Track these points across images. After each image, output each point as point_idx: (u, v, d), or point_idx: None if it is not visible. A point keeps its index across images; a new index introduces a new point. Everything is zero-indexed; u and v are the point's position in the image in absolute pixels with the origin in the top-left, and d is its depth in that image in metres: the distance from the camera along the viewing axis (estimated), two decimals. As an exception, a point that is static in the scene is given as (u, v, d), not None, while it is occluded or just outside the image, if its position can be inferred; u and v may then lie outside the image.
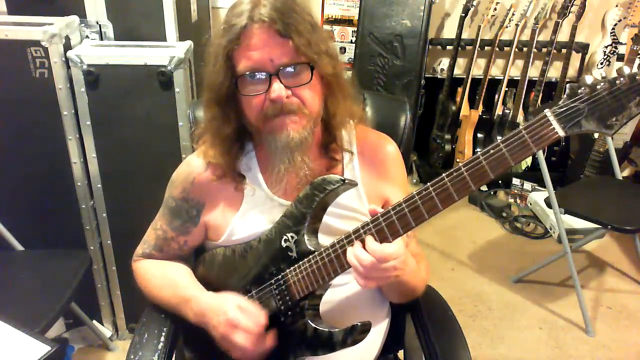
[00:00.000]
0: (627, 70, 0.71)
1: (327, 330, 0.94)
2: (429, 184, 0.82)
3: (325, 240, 0.97)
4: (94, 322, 2.01)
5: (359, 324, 0.92)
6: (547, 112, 0.74)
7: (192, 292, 1.03)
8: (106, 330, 2.05)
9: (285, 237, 0.97)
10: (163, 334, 1.05)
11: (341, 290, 1.04)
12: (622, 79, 0.71)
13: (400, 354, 1.29)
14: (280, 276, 0.97)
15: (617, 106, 0.72)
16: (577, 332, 2.16)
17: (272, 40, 0.89)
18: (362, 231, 0.88)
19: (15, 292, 1.61)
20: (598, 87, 0.72)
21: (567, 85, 0.74)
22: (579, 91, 0.73)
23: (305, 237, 0.95)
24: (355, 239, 0.88)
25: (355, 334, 0.92)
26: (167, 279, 1.08)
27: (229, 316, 0.94)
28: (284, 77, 0.90)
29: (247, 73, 0.90)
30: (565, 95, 0.74)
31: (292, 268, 0.95)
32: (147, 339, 1.04)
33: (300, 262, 0.94)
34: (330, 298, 1.01)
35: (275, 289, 0.97)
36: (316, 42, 0.92)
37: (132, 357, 1.00)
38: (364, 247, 0.86)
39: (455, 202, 0.81)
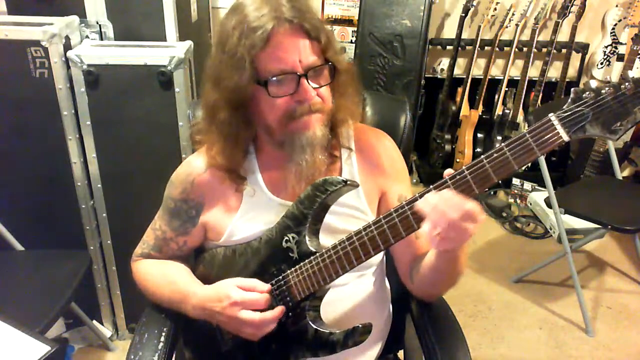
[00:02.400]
0: (631, 74, 0.71)
1: (328, 331, 0.94)
2: (431, 186, 0.81)
3: (323, 238, 0.97)
4: (94, 322, 2.01)
5: (360, 325, 0.92)
6: (552, 116, 0.74)
7: (190, 287, 1.03)
8: (106, 330, 2.05)
9: (286, 237, 0.97)
10: (163, 334, 1.05)
11: (341, 291, 1.04)
12: (627, 83, 0.70)
13: (400, 354, 1.30)
14: (281, 277, 0.97)
15: (621, 111, 0.71)
16: (577, 332, 2.16)
17: (300, 41, 0.89)
18: (363, 232, 0.88)
19: (15, 292, 1.60)
20: (603, 91, 0.72)
21: (572, 90, 0.74)
22: (584, 95, 0.73)
23: (307, 237, 0.95)
24: (356, 241, 0.88)
25: (357, 335, 0.92)
26: (165, 277, 1.08)
27: (233, 298, 0.94)
28: (311, 77, 0.90)
29: (277, 76, 0.89)
30: (569, 100, 0.74)
31: (293, 269, 0.95)
32: (147, 339, 1.04)
33: (302, 263, 0.94)
34: (331, 298, 1.01)
35: (276, 289, 0.97)
36: (333, 41, 0.93)
37: (132, 357, 1.00)
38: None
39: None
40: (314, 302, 0.96)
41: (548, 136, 0.74)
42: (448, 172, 0.81)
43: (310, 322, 0.95)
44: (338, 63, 0.93)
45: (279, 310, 0.95)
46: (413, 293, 1.10)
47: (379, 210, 1.08)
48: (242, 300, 0.94)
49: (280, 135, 0.96)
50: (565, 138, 0.74)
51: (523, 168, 3.18)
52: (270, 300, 0.96)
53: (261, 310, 0.94)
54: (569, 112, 0.73)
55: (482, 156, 0.78)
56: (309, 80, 0.90)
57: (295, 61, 0.89)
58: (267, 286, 0.96)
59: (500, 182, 3.15)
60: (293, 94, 0.90)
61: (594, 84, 0.73)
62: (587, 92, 0.73)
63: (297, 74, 0.89)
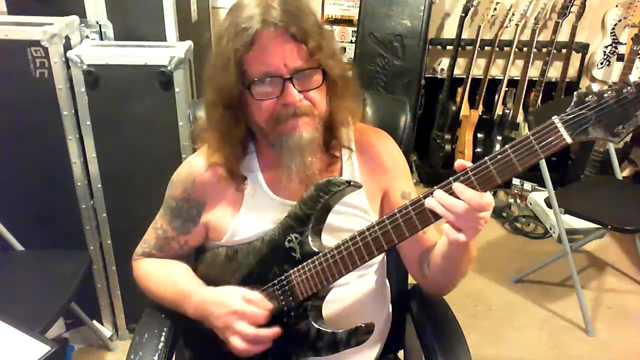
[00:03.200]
0: (632, 79, 0.72)
1: (330, 330, 0.94)
2: (436, 187, 0.82)
3: (324, 237, 0.97)
4: (94, 322, 2.01)
5: (362, 325, 0.92)
6: (555, 119, 0.75)
7: (192, 287, 1.03)
8: (106, 330, 2.05)
9: (289, 237, 0.97)
10: (163, 334, 1.05)
11: (342, 290, 1.05)
12: (629, 87, 0.71)
13: (400, 354, 1.30)
14: (283, 277, 0.97)
15: (623, 115, 0.72)
16: (577, 332, 2.16)
17: (286, 44, 0.88)
18: (367, 233, 0.88)
19: (15, 292, 1.61)
20: (605, 95, 0.73)
21: (575, 93, 0.75)
22: (586, 99, 0.74)
23: (309, 238, 0.95)
24: (360, 241, 0.88)
25: (359, 334, 0.93)
26: (166, 276, 1.08)
27: (233, 307, 0.94)
28: (297, 81, 0.90)
29: (261, 78, 0.90)
30: (572, 103, 0.75)
31: (295, 269, 0.95)
32: (147, 339, 1.04)
33: (305, 263, 0.94)
34: (331, 297, 1.01)
35: (279, 289, 0.97)
36: (326, 44, 0.92)
37: (132, 357, 1.00)
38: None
39: None
40: (316, 301, 0.96)
41: (551, 138, 0.75)
42: (459, 163, 0.81)
43: (312, 322, 0.95)
44: (328, 67, 0.92)
45: (273, 331, 0.95)
46: (425, 288, 1.09)
47: (382, 208, 1.08)
48: (242, 311, 0.94)
49: (271, 136, 0.96)
50: (569, 140, 0.75)
51: (523, 168, 3.18)
52: (269, 319, 0.95)
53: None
54: (572, 115, 0.74)
55: (486, 157, 0.78)
56: (294, 84, 0.90)
57: (280, 64, 0.89)
58: (270, 305, 0.96)
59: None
60: (279, 97, 0.91)
61: (596, 87, 0.74)
62: (590, 96, 0.74)
63: (282, 78, 0.89)
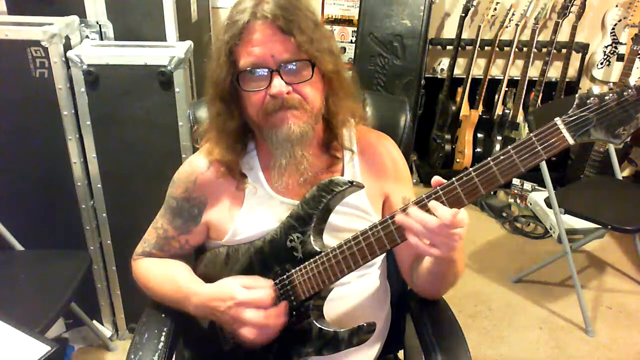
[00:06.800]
0: (633, 81, 0.73)
1: (332, 330, 0.95)
2: (438, 187, 0.82)
3: (324, 237, 0.98)
4: (94, 322, 2.01)
5: (364, 324, 0.93)
6: (558, 120, 0.76)
7: (192, 286, 1.03)
8: (106, 330, 2.05)
9: (290, 237, 0.97)
10: (163, 334, 1.05)
11: (342, 290, 1.04)
12: (629, 90, 0.73)
13: (400, 354, 1.30)
14: (285, 276, 0.97)
15: (624, 117, 0.73)
16: (577, 332, 2.16)
17: (274, 36, 0.89)
18: (370, 232, 0.88)
19: (15, 292, 1.60)
20: (606, 97, 0.74)
21: (576, 95, 0.76)
22: (588, 101, 0.75)
23: (311, 237, 0.95)
24: (362, 241, 0.89)
25: (361, 334, 0.93)
26: (166, 275, 1.08)
27: (238, 298, 0.94)
28: (285, 73, 0.91)
29: (248, 69, 0.91)
30: (574, 105, 0.76)
31: (297, 268, 0.96)
32: (147, 339, 1.04)
33: (306, 263, 0.94)
34: (331, 297, 1.01)
35: (280, 289, 0.97)
36: (318, 39, 0.92)
37: (132, 357, 1.00)
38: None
39: (465, 206, 0.82)
40: (318, 301, 0.96)
41: (554, 139, 0.76)
42: (436, 179, 0.84)
43: (314, 321, 0.96)
44: (319, 61, 0.92)
45: (281, 306, 0.95)
46: (415, 291, 1.11)
47: (383, 213, 1.09)
48: (248, 300, 0.94)
49: (264, 130, 0.96)
50: (571, 142, 0.76)
51: (523, 168, 3.18)
52: (275, 299, 0.96)
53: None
54: (574, 117, 0.75)
55: (489, 158, 0.79)
56: (282, 76, 0.90)
57: (267, 56, 0.90)
58: (269, 282, 0.97)
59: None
60: (267, 89, 0.91)
61: (597, 90, 0.76)
62: (591, 98, 0.75)
63: (270, 69, 0.90)
